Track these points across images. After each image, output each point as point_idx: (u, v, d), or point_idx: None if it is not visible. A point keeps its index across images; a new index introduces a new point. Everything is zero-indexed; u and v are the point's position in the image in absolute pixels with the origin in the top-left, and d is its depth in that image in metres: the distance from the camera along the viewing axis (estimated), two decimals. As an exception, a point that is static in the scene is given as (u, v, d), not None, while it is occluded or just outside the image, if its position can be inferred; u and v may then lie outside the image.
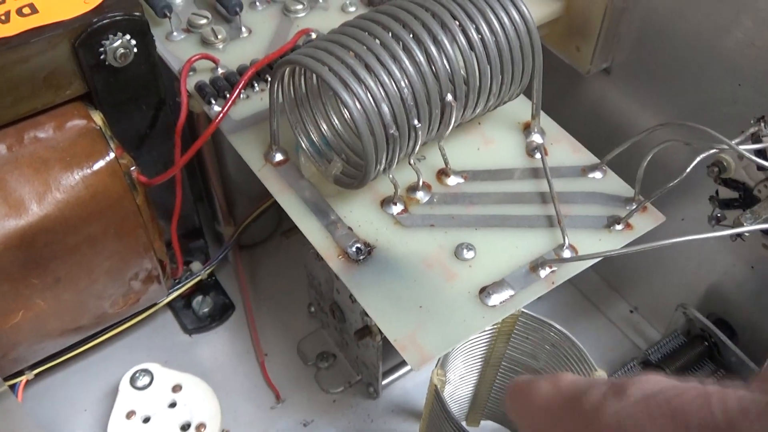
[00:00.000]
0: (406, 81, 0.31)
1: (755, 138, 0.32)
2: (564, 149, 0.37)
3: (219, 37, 0.41)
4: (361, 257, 0.33)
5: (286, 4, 0.44)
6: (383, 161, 0.32)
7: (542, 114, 0.38)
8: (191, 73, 0.40)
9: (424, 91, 0.32)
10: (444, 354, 0.33)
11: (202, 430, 0.41)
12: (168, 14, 0.41)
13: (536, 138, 0.37)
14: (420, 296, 0.32)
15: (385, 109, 0.31)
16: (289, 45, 0.40)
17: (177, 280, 0.46)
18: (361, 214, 0.35)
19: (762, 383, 0.18)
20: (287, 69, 0.33)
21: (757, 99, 0.34)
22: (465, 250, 0.33)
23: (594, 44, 0.40)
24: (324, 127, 0.35)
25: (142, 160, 0.40)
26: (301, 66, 0.32)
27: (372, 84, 0.31)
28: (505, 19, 0.33)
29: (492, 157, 0.37)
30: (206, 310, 0.48)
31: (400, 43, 0.32)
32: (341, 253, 0.33)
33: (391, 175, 0.33)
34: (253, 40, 0.42)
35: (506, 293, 0.32)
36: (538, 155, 0.37)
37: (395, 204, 0.35)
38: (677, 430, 0.17)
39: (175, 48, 0.42)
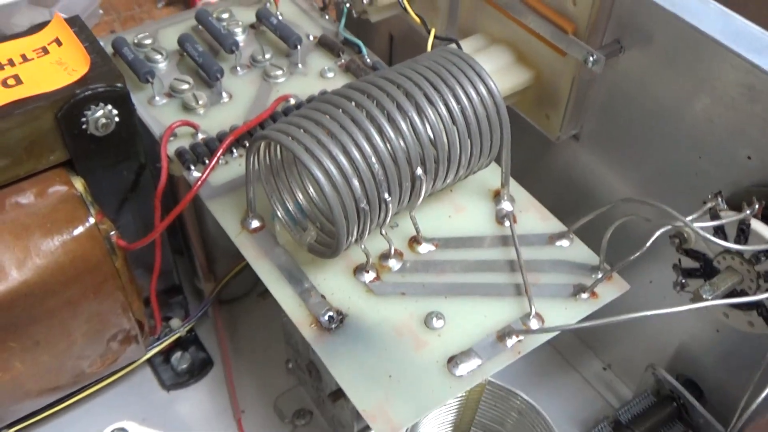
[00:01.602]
0: (377, 156, 0.32)
1: (713, 213, 0.33)
2: (532, 217, 0.38)
3: (200, 102, 0.43)
4: (333, 326, 0.34)
5: (266, 69, 0.45)
6: (355, 233, 0.33)
7: (512, 182, 0.39)
8: (172, 138, 0.41)
9: (394, 166, 0.33)
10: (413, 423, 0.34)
11: (178, 490, 0.42)
12: (150, 80, 0.42)
13: (506, 206, 0.38)
14: (389, 366, 0.33)
15: (356, 183, 0.32)
16: (268, 112, 0.41)
17: (156, 337, 0.47)
18: (334, 282, 0.35)
19: None
20: (263, 143, 0.34)
21: (716, 172, 0.36)
22: (435, 319, 0.34)
23: (562, 113, 0.41)
24: (299, 196, 0.36)
25: (123, 222, 0.41)
26: (275, 142, 0.33)
27: (343, 160, 0.32)
28: (473, 95, 0.35)
29: (463, 224, 0.38)
30: (185, 366, 0.49)
31: (372, 119, 0.33)
32: (314, 321, 0.34)
33: (363, 246, 0.34)
34: (233, 105, 0.43)
35: (473, 363, 0.32)
36: (507, 223, 0.38)
37: (368, 272, 0.36)
38: None
39: (157, 113, 0.43)
